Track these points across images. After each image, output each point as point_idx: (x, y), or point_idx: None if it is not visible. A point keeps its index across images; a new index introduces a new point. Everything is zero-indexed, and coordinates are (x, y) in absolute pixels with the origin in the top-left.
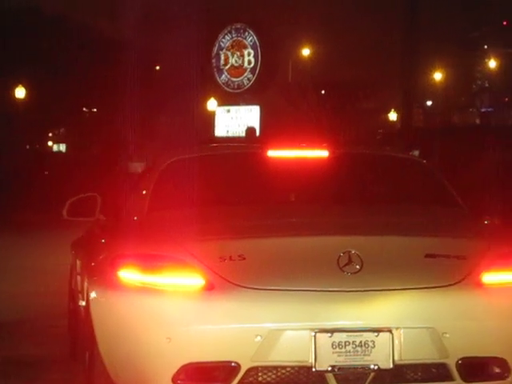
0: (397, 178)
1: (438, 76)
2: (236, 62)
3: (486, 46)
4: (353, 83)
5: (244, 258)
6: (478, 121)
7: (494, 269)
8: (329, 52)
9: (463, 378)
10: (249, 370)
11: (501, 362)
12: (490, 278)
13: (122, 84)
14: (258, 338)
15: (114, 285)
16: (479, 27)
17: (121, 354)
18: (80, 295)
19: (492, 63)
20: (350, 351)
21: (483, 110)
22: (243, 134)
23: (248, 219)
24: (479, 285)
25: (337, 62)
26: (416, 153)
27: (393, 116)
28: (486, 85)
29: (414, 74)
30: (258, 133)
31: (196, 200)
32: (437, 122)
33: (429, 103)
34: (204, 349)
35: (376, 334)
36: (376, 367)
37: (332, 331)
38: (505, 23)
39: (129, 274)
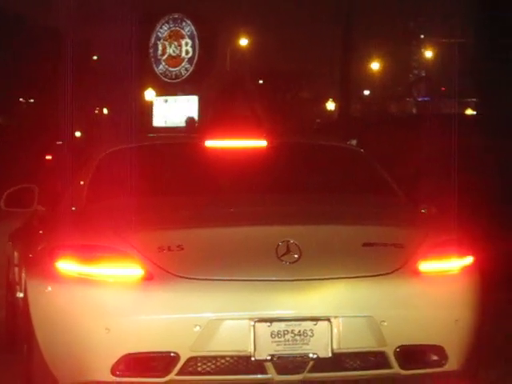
0: (334, 167)
1: (375, 66)
2: (174, 51)
3: (422, 36)
4: (291, 73)
5: (182, 249)
6: (414, 110)
7: (430, 257)
8: (267, 42)
9: (401, 366)
10: (188, 360)
11: (438, 349)
12: (427, 266)
13: (58, 74)
14: (197, 327)
15: (52, 276)
16: (416, 17)
17: (60, 345)
18: (18, 287)
19: (429, 53)
20: (288, 340)
21: (420, 99)
22: (181, 125)
23: (187, 210)
24: (416, 273)
25: (275, 52)
26: (353, 142)
27: (330, 106)
28: (423, 74)
29: (351, 65)
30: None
31: (134, 190)
32: (374, 111)
33: (366, 93)
34: (143, 339)
35: (314, 323)
36: (315, 356)
37: (271, 320)
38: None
39: (67, 265)
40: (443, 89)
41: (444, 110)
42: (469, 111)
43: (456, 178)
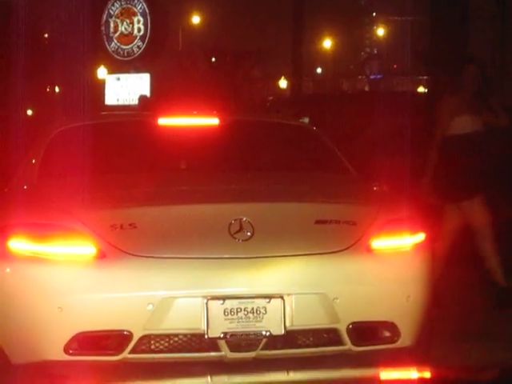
0: (286, 144)
1: (327, 44)
2: (125, 29)
3: (374, 14)
4: (243, 51)
5: (135, 227)
6: (367, 88)
7: (383, 234)
8: (220, 20)
9: (354, 343)
10: (141, 339)
11: (390, 326)
12: (380, 243)
13: (8, 52)
14: (150, 306)
15: (3, 255)
16: None
17: (12, 325)
18: None
19: (380, 31)
20: (241, 318)
21: (372, 77)
22: (134, 103)
23: (139, 188)
24: (369, 250)
25: (228, 30)
26: (306, 120)
27: (283, 83)
28: (375, 52)
29: (303, 42)
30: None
31: (86, 169)
32: (326, 89)
33: (319, 71)
34: (96, 318)
35: (267, 300)
36: (268, 333)
37: (224, 298)
38: None
39: (19, 244)
40: (395, 66)
41: (396, 87)
42: (421, 89)
43: (408, 155)
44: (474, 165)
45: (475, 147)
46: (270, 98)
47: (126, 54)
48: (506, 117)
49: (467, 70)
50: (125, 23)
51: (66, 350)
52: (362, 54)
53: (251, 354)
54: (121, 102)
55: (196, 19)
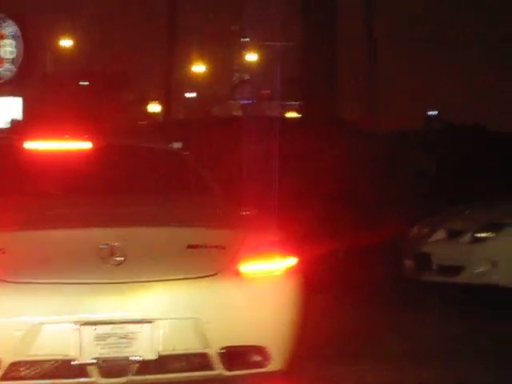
0: (157, 169)
1: (200, 68)
2: None
3: (247, 39)
4: (115, 74)
5: (4, 252)
6: (238, 112)
7: (252, 258)
8: (93, 43)
9: (225, 367)
10: (11, 365)
11: (261, 350)
12: (249, 267)
13: None
14: (20, 332)
15: None
16: (239, 20)
17: None
18: None
19: (253, 56)
20: (113, 343)
21: (244, 101)
22: (6, 126)
23: (8, 212)
24: (238, 274)
25: (99, 53)
26: (178, 145)
27: (155, 108)
28: (247, 77)
29: (175, 67)
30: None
31: None
32: (199, 113)
33: (191, 95)
34: None
35: (140, 325)
36: (140, 358)
37: (95, 323)
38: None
39: None
40: (267, 92)
41: (268, 112)
42: (293, 114)
43: (278, 180)
44: None
45: None
46: (142, 122)
47: None
48: None
49: None
50: None
51: None
52: (234, 78)
53: (122, 380)
54: None
55: (68, 42)
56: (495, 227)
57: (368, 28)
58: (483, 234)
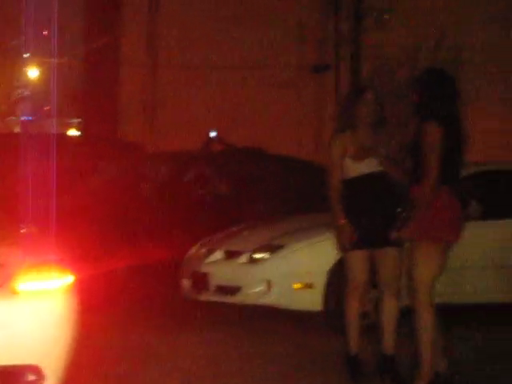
0: None
1: None
2: None
3: (27, 55)
4: None
5: None
6: (17, 129)
7: (27, 277)
8: None
9: None
10: None
11: (34, 369)
12: (24, 286)
13: None
14: None
15: None
16: (19, 35)
17: None
18: None
19: (33, 72)
20: None
21: (24, 118)
22: None
23: None
24: (14, 293)
25: None
26: None
27: None
28: (27, 93)
29: None
30: None
31: None
32: None
33: None
34: None
35: None
36: None
37: None
38: (45, 33)
39: None
40: (48, 108)
41: (48, 129)
42: (74, 132)
43: (58, 198)
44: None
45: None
46: None
47: None
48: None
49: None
50: None
51: None
52: (16, 95)
53: None
54: None
55: None
56: (271, 248)
57: (151, 53)
58: (260, 255)
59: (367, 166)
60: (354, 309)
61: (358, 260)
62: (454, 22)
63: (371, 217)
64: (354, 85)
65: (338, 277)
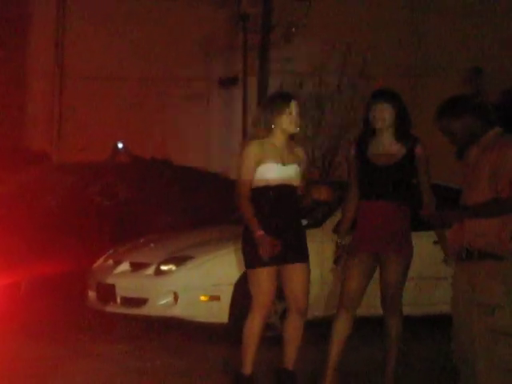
0: None
1: None
2: None
3: None
4: None
5: None
6: None
7: None
8: None
9: None
10: None
11: None
12: None
13: None
14: None
15: None
16: None
17: None
18: None
19: None
20: None
21: None
22: None
23: None
24: None
25: None
26: None
27: None
28: None
29: None
30: None
31: None
32: None
33: None
34: None
35: None
36: None
37: None
38: None
39: None
40: None
41: None
42: None
43: None
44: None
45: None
46: None
47: None
48: None
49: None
50: None
51: None
52: None
53: None
54: None
55: None
56: (178, 260)
57: (59, 63)
58: (166, 267)
59: (280, 176)
60: (256, 328)
61: (268, 278)
62: (361, 36)
63: (283, 230)
64: (277, 91)
65: (244, 289)
